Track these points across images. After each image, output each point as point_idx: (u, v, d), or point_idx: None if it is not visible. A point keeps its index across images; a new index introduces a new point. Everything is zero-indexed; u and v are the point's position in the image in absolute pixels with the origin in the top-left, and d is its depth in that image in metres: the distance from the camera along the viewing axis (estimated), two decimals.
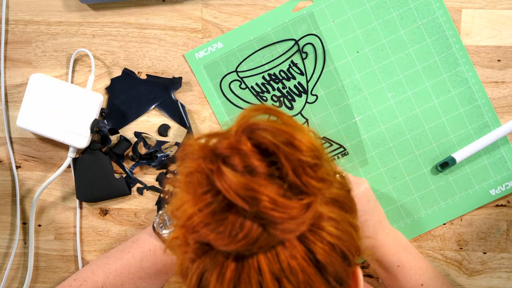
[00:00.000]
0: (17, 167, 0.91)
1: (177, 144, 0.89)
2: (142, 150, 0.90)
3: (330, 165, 0.55)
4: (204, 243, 0.52)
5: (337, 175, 0.57)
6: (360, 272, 0.58)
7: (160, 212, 0.83)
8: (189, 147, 0.53)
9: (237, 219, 0.49)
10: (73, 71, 0.89)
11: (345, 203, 0.56)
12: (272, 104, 0.88)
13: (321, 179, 0.52)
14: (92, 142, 0.88)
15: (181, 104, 0.89)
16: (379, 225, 0.80)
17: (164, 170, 0.90)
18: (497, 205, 0.90)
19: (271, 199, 0.48)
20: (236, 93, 0.88)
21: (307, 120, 0.88)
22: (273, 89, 0.88)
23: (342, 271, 0.54)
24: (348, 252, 0.54)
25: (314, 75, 0.88)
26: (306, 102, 0.88)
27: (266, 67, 0.88)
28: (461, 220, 0.90)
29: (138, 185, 0.90)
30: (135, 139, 0.90)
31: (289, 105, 0.89)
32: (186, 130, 0.89)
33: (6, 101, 0.90)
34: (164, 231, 0.80)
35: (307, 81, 0.88)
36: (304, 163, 0.50)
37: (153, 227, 0.81)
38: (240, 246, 0.49)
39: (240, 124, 0.51)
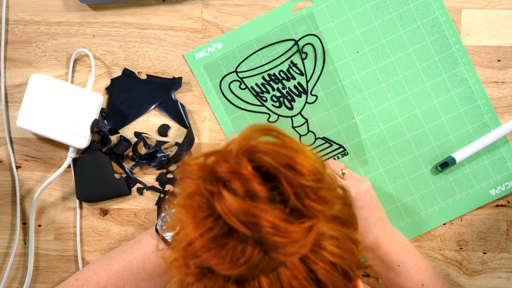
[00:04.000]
0: (17, 167, 0.91)
1: (177, 144, 0.89)
2: (142, 150, 0.90)
3: (333, 181, 0.55)
4: (204, 267, 0.52)
5: (339, 189, 0.57)
6: (360, 285, 0.58)
7: (163, 214, 0.83)
8: (188, 167, 0.53)
9: (238, 245, 0.49)
10: (73, 71, 0.89)
11: (346, 219, 0.56)
12: (272, 104, 0.88)
13: (323, 200, 0.51)
14: (92, 142, 0.88)
15: (181, 104, 0.89)
16: (380, 224, 0.80)
17: (164, 170, 0.90)
18: (497, 205, 0.90)
19: (272, 224, 0.48)
20: (235, 93, 0.88)
21: (306, 120, 0.88)
22: (273, 90, 0.88)
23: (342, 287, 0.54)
24: (349, 269, 0.54)
25: (313, 75, 0.88)
26: (306, 102, 0.88)
27: (266, 68, 0.88)
28: (461, 220, 0.90)
29: (138, 185, 0.90)
30: (135, 139, 0.90)
31: (289, 106, 0.88)
32: (186, 130, 0.89)
33: (6, 101, 0.90)
34: (167, 234, 0.80)
35: (307, 81, 0.88)
36: (306, 187, 0.50)
37: (156, 229, 0.81)
38: (241, 270, 0.49)
39: (241, 145, 0.51)
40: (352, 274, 0.54)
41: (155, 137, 0.90)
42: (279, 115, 0.89)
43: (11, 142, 0.90)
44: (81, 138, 0.86)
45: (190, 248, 0.50)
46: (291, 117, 0.89)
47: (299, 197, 0.50)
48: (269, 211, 0.49)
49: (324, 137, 0.89)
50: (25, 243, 0.92)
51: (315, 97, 0.88)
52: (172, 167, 0.90)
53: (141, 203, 0.91)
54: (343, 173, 0.81)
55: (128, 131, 0.90)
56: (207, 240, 0.49)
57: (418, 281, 0.81)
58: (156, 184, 0.90)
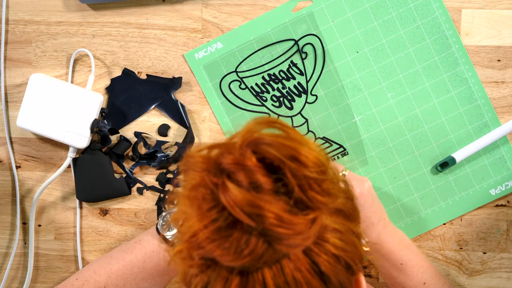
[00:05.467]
0: (17, 167, 0.91)
1: (177, 144, 0.89)
2: (142, 150, 0.90)
3: (336, 175, 0.55)
4: (208, 258, 0.52)
5: (341, 183, 0.57)
6: (362, 279, 0.57)
7: (164, 214, 0.83)
8: (192, 159, 0.53)
9: (243, 236, 0.49)
10: (73, 71, 0.89)
11: (349, 213, 0.56)
12: (272, 104, 0.88)
13: (327, 193, 0.51)
14: (92, 142, 0.88)
15: (181, 104, 0.89)
16: (382, 223, 0.80)
17: (164, 170, 0.90)
18: (497, 205, 0.90)
19: (276, 215, 0.48)
20: (235, 93, 0.88)
21: (306, 120, 0.88)
22: (273, 89, 0.88)
23: (345, 280, 0.54)
24: (352, 262, 0.54)
25: (313, 75, 0.88)
26: (306, 102, 0.88)
27: (266, 67, 0.88)
28: (461, 220, 0.90)
29: (138, 185, 0.90)
30: (135, 139, 0.90)
31: (289, 105, 0.89)
32: (186, 130, 0.89)
33: (6, 101, 0.90)
34: (168, 233, 0.80)
35: (307, 81, 0.88)
36: (310, 179, 0.50)
37: (157, 229, 0.81)
38: (245, 262, 0.49)
39: (245, 138, 0.51)
40: (354, 267, 0.54)
41: (155, 137, 0.90)
42: (279, 115, 0.89)
43: (11, 142, 0.90)
44: (81, 138, 0.86)
45: (194, 239, 0.50)
46: (291, 117, 0.89)
47: (303, 189, 0.50)
48: (273, 202, 0.49)
49: (324, 137, 0.89)
50: (25, 243, 0.92)
51: (315, 97, 0.88)
52: (172, 167, 0.90)
53: (141, 203, 0.91)
54: (343, 175, 0.81)
55: (128, 131, 0.90)
56: (212, 231, 0.49)
57: (420, 279, 0.81)
58: (156, 184, 0.90)
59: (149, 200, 0.91)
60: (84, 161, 0.89)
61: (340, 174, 0.81)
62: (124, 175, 0.90)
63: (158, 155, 0.89)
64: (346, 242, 0.53)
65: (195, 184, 0.51)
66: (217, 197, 0.49)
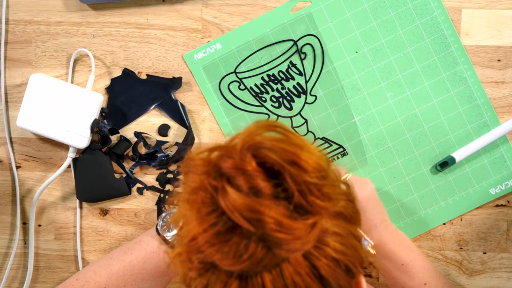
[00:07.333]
0: (17, 167, 0.91)
1: (177, 144, 0.89)
2: (142, 150, 0.90)
3: (337, 178, 0.55)
4: (207, 262, 0.52)
5: (343, 185, 0.57)
6: (363, 281, 0.57)
7: (163, 214, 0.83)
8: (192, 161, 0.52)
9: (242, 241, 0.49)
10: (73, 71, 0.89)
11: (350, 216, 0.56)
12: (271, 104, 0.88)
13: (327, 197, 0.51)
14: (92, 142, 0.88)
15: (181, 104, 0.89)
16: (384, 224, 0.80)
17: (164, 170, 0.90)
18: (497, 205, 0.90)
19: (276, 221, 0.48)
20: (235, 94, 0.89)
21: (306, 120, 0.88)
22: (272, 90, 0.88)
23: (345, 284, 0.53)
24: (352, 266, 0.53)
25: (313, 76, 0.88)
26: (305, 102, 0.89)
27: (265, 68, 0.88)
28: (461, 220, 0.90)
29: (138, 185, 0.90)
30: (135, 139, 0.90)
31: (288, 106, 0.89)
32: (186, 130, 0.89)
33: (6, 101, 0.90)
34: (168, 234, 0.80)
35: (306, 82, 0.88)
36: (310, 184, 0.50)
37: (157, 229, 0.81)
38: (244, 266, 0.49)
39: (245, 141, 0.51)
40: (354, 270, 0.54)
41: (155, 137, 0.90)
42: (278, 116, 0.89)
43: (11, 142, 0.91)
44: (81, 138, 0.86)
45: (193, 243, 0.50)
46: (290, 117, 0.89)
47: (303, 194, 0.49)
48: (273, 207, 0.48)
49: (323, 137, 0.89)
50: (25, 243, 0.92)
51: (314, 97, 0.88)
52: (172, 167, 0.90)
53: (141, 203, 0.91)
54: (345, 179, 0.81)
55: (128, 131, 0.90)
56: (211, 236, 0.49)
57: (421, 280, 0.81)
58: (156, 184, 0.90)
59: (149, 200, 0.91)
60: (84, 161, 0.89)
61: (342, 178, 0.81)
62: (124, 175, 0.90)
63: (158, 155, 0.89)
64: (346, 245, 0.53)
65: (195, 187, 0.51)
66: (217, 201, 0.49)
